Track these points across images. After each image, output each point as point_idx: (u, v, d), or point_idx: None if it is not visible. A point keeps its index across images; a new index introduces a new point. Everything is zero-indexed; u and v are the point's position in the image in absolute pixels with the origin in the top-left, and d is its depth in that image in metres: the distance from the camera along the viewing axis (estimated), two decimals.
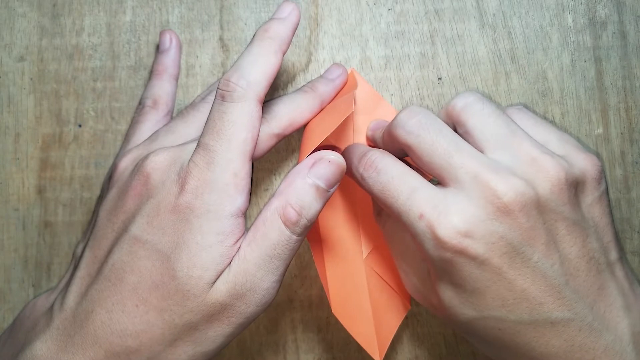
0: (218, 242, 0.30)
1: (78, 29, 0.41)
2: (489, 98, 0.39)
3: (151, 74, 0.40)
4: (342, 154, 0.36)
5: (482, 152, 0.32)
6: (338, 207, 0.38)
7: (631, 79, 0.40)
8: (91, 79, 0.41)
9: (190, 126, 0.36)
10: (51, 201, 0.40)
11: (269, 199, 0.31)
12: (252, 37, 0.34)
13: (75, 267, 0.33)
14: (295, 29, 0.34)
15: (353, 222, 0.39)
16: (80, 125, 0.40)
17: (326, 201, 0.31)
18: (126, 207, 0.32)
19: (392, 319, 0.38)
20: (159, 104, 0.38)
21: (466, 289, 0.30)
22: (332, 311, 0.36)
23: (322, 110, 0.36)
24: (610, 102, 0.40)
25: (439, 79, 0.40)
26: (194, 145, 0.32)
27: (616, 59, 0.40)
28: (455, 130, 0.33)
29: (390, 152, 0.34)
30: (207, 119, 0.32)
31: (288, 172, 0.32)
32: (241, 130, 0.31)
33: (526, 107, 0.39)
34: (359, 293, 0.37)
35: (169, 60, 0.39)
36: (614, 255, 0.32)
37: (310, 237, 0.37)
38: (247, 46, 0.33)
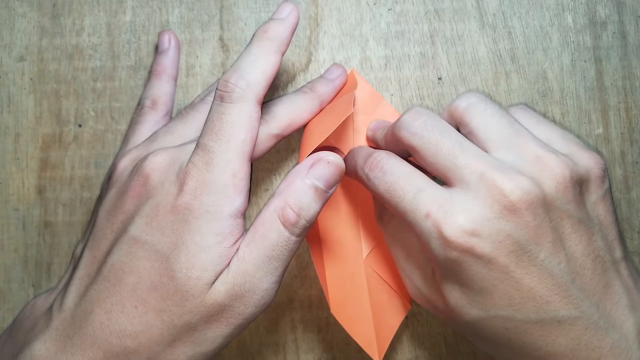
0: (217, 243, 0.30)
1: (78, 29, 0.41)
2: (490, 98, 0.39)
3: (150, 74, 0.40)
4: (347, 156, 0.36)
5: (486, 152, 0.32)
6: (338, 207, 0.38)
7: (631, 79, 0.40)
8: (91, 79, 0.41)
9: (190, 127, 0.36)
10: (51, 201, 0.40)
11: (268, 200, 0.31)
12: (251, 37, 0.34)
13: (75, 268, 0.33)
14: (294, 29, 0.34)
15: (353, 222, 0.39)
16: (80, 125, 0.40)
17: (325, 202, 0.31)
18: (125, 208, 0.32)
19: (392, 319, 0.38)
20: (158, 105, 0.38)
21: (473, 289, 0.30)
22: (331, 311, 0.36)
23: (321, 110, 0.36)
24: (610, 102, 0.40)
25: (439, 79, 0.40)
26: (193, 145, 0.32)
27: (616, 59, 0.40)
28: (459, 131, 0.33)
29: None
30: (206, 120, 0.32)
31: (287, 173, 0.32)
32: (240, 131, 0.31)
33: (528, 106, 0.39)
34: (359, 293, 0.37)
35: (167, 60, 0.39)
36: (618, 253, 0.32)
37: (309, 237, 0.37)
38: (246, 47, 0.33)
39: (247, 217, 0.40)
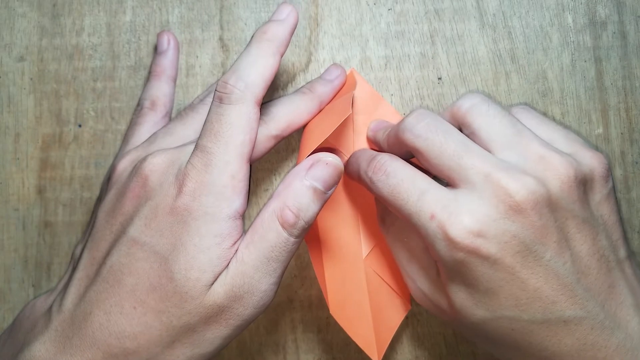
0: (216, 244, 0.30)
1: (78, 29, 0.41)
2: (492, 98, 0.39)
3: (149, 75, 0.40)
4: (350, 159, 0.36)
5: (489, 152, 0.32)
6: (337, 207, 0.38)
7: (631, 79, 0.40)
8: (91, 79, 0.41)
9: (189, 128, 0.36)
10: (51, 201, 0.40)
11: (267, 201, 0.31)
12: (250, 38, 0.34)
13: (74, 269, 0.33)
14: (293, 30, 0.34)
15: (352, 223, 0.38)
16: (80, 125, 0.40)
17: (324, 203, 0.31)
18: (124, 209, 0.32)
19: (392, 320, 0.38)
20: (157, 106, 0.38)
21: (479, 289, 0.30)
22: (330, 312, 0.36)
23: (321, 111, 0.36)
24: (610, 102, 0.40)
25: (439, 79, 0.40)
26: (192, 147, 0.32)
27: (616, 59, 0.40)
28: (461, 132, 0.33)
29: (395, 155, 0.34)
30: (205, 121, 0.32)
31: (286, 174, 0.32)
32: (239, 132, 0.31)
33: (530, 106, 0.39)
34: (358, 294, 0.37)
35: (166, 61, 0.39)
36: (622, 252, 0.32)
37: (308, 238, 0.37)
38: (245, 48, 0.33)
39: (246, 218, 0.40)
